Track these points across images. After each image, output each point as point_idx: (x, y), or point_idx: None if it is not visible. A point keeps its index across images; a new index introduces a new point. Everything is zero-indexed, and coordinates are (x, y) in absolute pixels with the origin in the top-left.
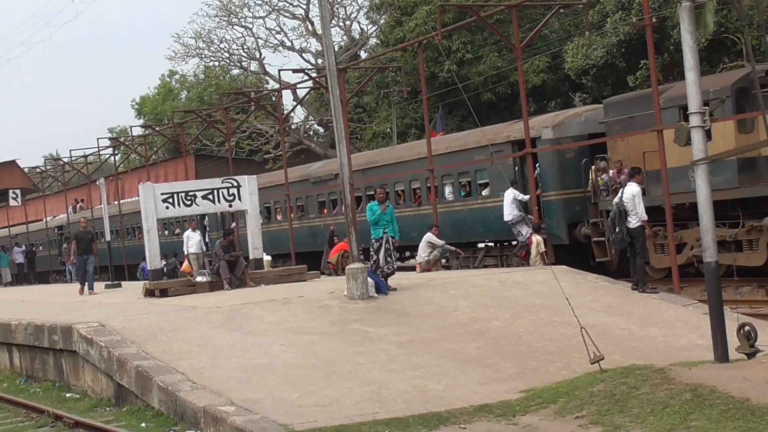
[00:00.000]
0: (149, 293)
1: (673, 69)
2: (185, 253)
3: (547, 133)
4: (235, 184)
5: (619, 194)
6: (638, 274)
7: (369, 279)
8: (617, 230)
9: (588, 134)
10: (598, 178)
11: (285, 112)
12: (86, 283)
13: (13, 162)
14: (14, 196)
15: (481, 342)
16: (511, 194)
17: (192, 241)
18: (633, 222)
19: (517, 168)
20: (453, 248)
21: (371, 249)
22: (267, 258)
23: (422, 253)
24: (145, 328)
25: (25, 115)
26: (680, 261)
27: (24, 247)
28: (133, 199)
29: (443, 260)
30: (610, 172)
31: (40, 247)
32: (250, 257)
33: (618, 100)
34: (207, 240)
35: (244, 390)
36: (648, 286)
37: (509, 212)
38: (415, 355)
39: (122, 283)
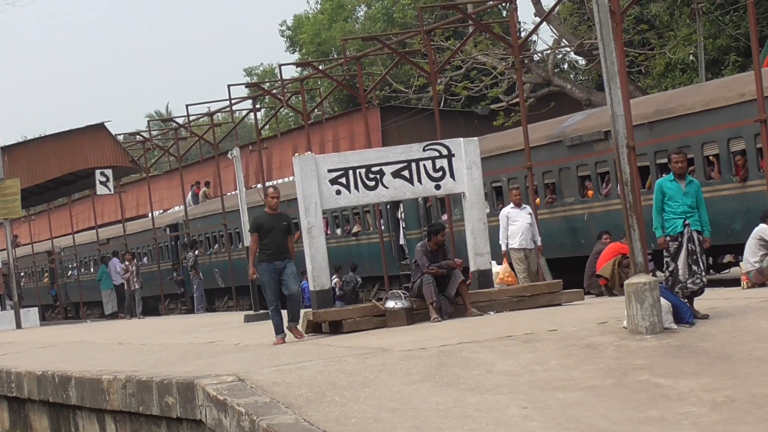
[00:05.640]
0: (313, 328)
1: None
2: (503, 247)
3: None
4: (445, 151)
5: None
6: None
7: (663, 301)
8: None
9: None
10: None
11: (522, 34)
12: (278, 318)
13: (102, 127)
14: (103, 179)
15: None
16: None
17: (517, 225)
18: None
19: None
20: None
21: (665, 252)
22: (498, 269)
23: (751, 258)
24: (307, 383)
25: (116, 54)
26: None
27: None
28: (286, 179)
29: None
30: None
31: (144, 259)
32: (471, 268)
33: None
34: (403, 242)
35: None
36: None
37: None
38: (742, 423)
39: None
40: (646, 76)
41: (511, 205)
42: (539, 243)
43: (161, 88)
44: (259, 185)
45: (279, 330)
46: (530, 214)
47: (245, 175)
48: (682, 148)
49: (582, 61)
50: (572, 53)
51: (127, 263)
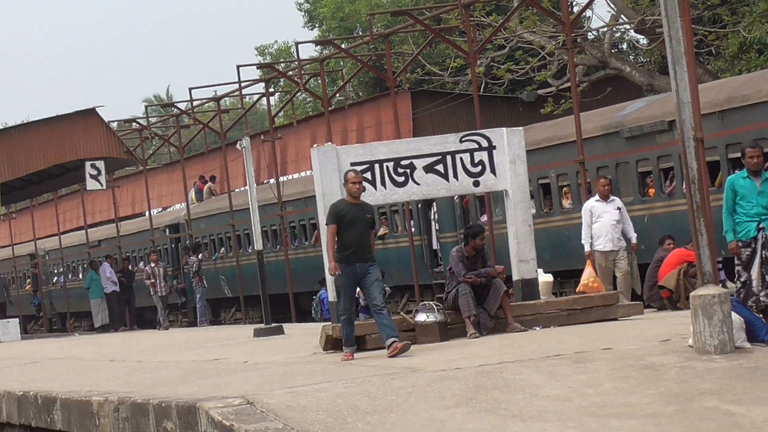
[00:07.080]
0: (332, 344)
1: None
2: (587, 247)
3: None
4: (485, 143)
5: None
6: None
7: (735, 316)
8: None
9: None
10: None
11: (575, 9)
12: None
13: (93, 112)
14: (94, 172)
15: None
16: None
17: (602, 222)
18: None
19: None
20: None
21: (736, 261)
22: (545, 278)
23: None
24: (325, 407)
25: (109, 30)
26: None
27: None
28: (303, 174)
29: None
30: None
31: (140, 264)
32: (514, 277)
33: None
34: (436, 246)
35: None
36: None
37: None
38: None
39: (284, 326)
40: (717, 57)
41: (596, 197)
42: (633, 240)
43: (161, 69)
44: (272, 180)
45: (349, 342)
46: (619, 208)
47: (256, 169)
48: (758, 140)
49: (643, 41)
50: (632, 31)
51: (152, 265)
